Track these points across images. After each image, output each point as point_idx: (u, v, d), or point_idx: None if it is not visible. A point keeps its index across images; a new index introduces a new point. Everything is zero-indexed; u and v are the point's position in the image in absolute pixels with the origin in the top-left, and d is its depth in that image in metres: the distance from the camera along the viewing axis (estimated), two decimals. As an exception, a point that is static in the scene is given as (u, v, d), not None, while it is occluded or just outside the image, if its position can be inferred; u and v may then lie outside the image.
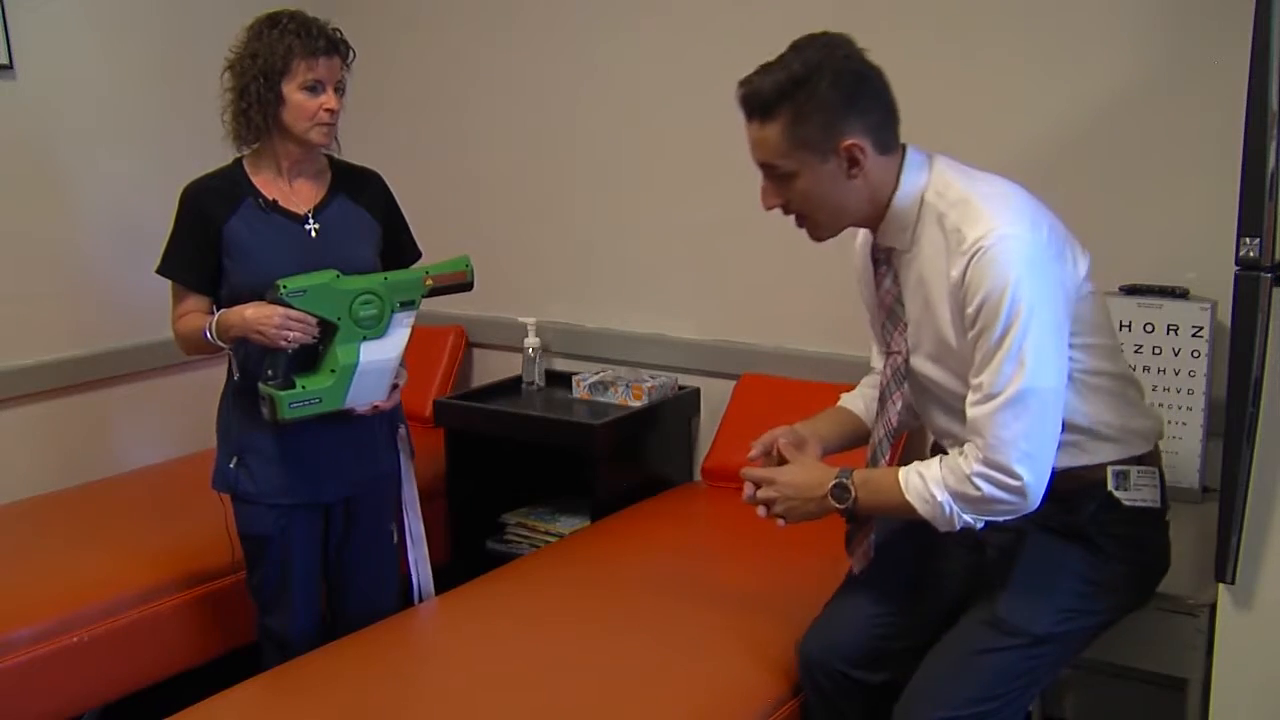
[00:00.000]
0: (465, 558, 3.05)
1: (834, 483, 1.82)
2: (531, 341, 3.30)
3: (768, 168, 1.78)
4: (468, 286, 2.28)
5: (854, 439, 2.05)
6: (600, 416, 2.99)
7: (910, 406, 1.95)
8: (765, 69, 1.74)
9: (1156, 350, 2.41)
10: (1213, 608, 1.88)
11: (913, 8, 2.74)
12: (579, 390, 3.18)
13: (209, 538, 2.61)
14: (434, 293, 2.23)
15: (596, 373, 3.20)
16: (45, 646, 2.29)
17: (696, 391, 3.18)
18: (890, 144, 1.78)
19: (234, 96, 2.18)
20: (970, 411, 1.71)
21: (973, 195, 1.75)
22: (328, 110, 2.17)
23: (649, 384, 3.09)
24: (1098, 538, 1.84)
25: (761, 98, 1.72)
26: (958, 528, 1.75)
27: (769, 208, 1.82)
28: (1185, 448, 2.39)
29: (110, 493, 3.00)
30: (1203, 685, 2.03)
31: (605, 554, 2.56)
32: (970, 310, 1.70)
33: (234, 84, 2.18)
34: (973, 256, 1.68)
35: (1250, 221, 1.62)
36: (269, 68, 2.12)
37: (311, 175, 2.28)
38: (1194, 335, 2.38)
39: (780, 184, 1.78)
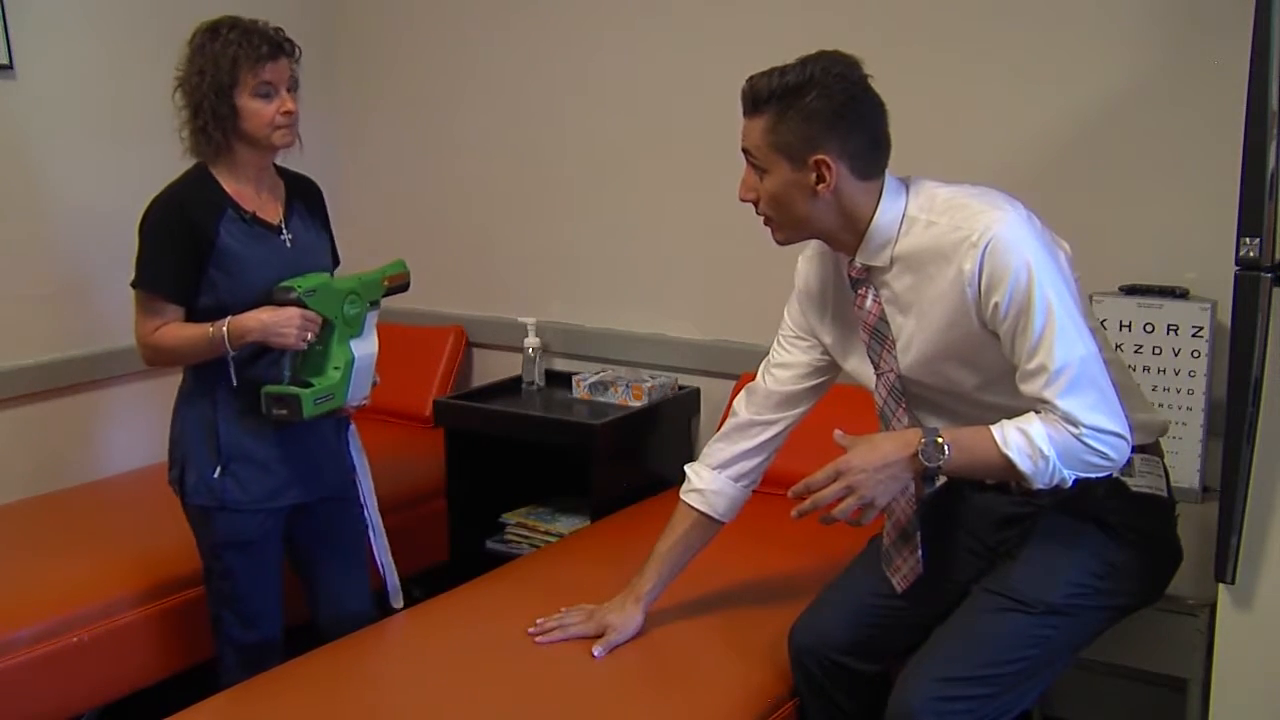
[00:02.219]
0: (465, 558, 3.05)
1: (924, 440, 1.73)
2: (531, 341, 3.30)
3: (749, 156, 1.83)
4: (408, 286, 2.36)
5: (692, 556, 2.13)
6: (600, 416, 2.99)
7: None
8: (768, 72, 1.78)
9: (1156, 350, 2.41)
10: (1213, 608, 1.88)
11: (916, 9, 2.75)
12: (579, 390, 3.18)
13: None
14: (388, 293, 2.30)
15: (596, 373, 3.20)
16: (45, 646, 2.28)
17: (696, 391, 3.18)
18: (872, 171, 1.81)
19: (189, 114, 2.16)
20: (1044, 393, 1.70)
21: (960, 197, 1.80)
22: (285, 113, 2.14)
23: (649, 384, 3.09)
24: (1111, 521, 1.84)
25: (754, 95, 1.79)
26: (1054, 485, 1.72)
27: (743, 199, 1.86)
28: (1185, 448, 2.39)
29: (109, 493, 3.00)
30: (1203, 685, 2.04)
31: (605, 554, 2.56)
32: (997, 299, 1.71)
33: (186, 102, 2.15)
34: (985, 247, 1.71)
35: (1250, 221, 1.62)
36: (218, 83, 2.10)
37: (271, 186, 2.26)
38: (1194, 335, 2.39)
39: (755, 177, 1.83)
